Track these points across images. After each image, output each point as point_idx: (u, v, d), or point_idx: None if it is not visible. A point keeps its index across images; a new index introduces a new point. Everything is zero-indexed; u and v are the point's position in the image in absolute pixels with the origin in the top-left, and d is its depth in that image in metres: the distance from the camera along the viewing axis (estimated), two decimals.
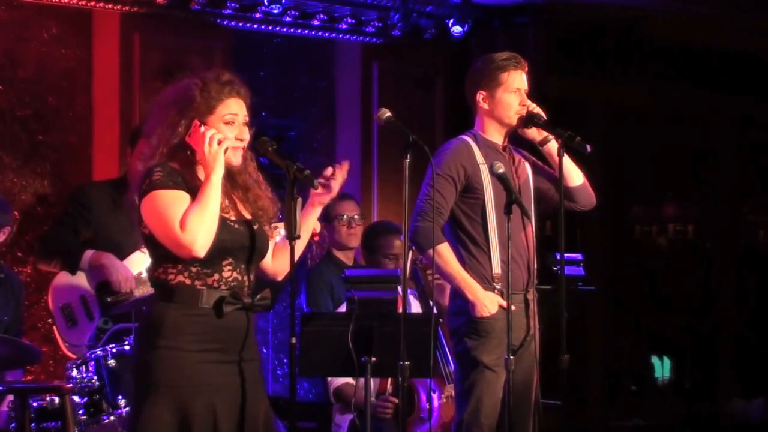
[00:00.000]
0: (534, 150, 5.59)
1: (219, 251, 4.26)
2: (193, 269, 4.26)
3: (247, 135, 4.35)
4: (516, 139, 5.56)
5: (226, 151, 4.27)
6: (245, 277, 4.35)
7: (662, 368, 10.36)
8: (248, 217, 4.39)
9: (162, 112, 4.34)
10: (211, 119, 4.28)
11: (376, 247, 6.87)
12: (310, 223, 4.50)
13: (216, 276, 4.29)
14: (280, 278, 4.56)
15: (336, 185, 4.50)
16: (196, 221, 4.16)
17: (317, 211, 4.52)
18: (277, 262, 4.53)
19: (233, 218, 4.35)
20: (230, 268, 4.31)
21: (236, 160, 4.34)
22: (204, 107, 4.28)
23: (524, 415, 5.39)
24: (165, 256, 4.26)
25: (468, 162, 5.39)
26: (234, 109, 4.32)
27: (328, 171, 4.50)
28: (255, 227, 4.37)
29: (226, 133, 4.29)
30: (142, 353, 4.30)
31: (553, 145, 5.44)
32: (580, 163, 5.50)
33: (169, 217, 4.18)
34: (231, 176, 4.39)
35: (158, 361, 4.23)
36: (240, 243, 4.31)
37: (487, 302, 5.29)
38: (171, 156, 4.29)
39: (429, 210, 5.30)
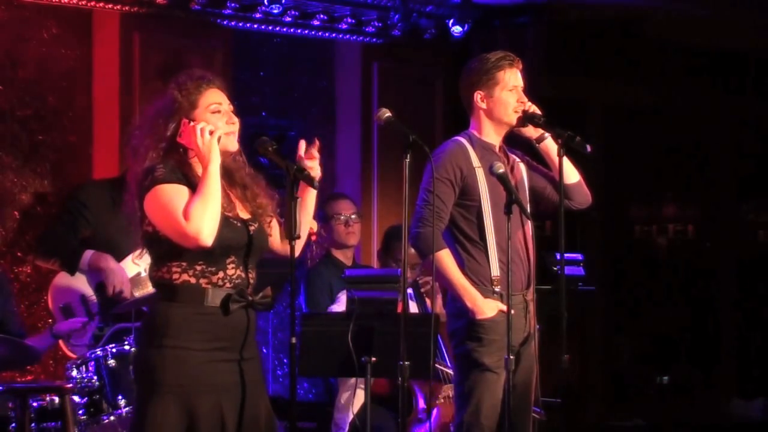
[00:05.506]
0: (528, 148, 5.58)
1: (223, 249, 4.28)
2: (198, 267, 4.28)
3: (236, 119, 4.41)
4: (510, 139, 5.56)
5: (219, 140, 4.32)
6: (248, 275, 4.37)
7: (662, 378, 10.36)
8: (247, 215, 4.41)
9: (149, 123, 4.39)
10: (197, 113, 4.35)
11: (389, 249, 7.10)
12: (308, 209, 4.50)
13: (221, 274, 4.31)
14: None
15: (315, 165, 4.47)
16: (200, 210, 4.19)
17: (311, 197, 4.50)
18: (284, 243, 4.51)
19: (233, 216, 4.36)
20: (234, 266, 4.33)
21: (232, 146, 4.38)
22: (187, 104, 4.35)
23: (524, 416, 5.38)
24: (168, 254, 4.28)
25: (464, 163, 5.38)
26: (216, 99, 4.38)
27: (301, 150, 4.50)
28: (255, 225, 4.40)
29: (215, 123, 4.34)
30: (145, 353, 4.30)
31: (549, 143, 5.44)
32: (579, 162, 5.49)
33: (173, 209, 4.21)
34: (228, 174, 4.43)
35: (163, 361, 4.23)
36: (243, 241, 4.33)
37: (486, 309, 5.28)
38: (164, 159, 4.33)
39: (429, 215, 5.29)
